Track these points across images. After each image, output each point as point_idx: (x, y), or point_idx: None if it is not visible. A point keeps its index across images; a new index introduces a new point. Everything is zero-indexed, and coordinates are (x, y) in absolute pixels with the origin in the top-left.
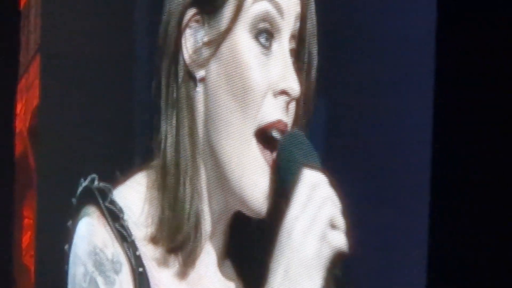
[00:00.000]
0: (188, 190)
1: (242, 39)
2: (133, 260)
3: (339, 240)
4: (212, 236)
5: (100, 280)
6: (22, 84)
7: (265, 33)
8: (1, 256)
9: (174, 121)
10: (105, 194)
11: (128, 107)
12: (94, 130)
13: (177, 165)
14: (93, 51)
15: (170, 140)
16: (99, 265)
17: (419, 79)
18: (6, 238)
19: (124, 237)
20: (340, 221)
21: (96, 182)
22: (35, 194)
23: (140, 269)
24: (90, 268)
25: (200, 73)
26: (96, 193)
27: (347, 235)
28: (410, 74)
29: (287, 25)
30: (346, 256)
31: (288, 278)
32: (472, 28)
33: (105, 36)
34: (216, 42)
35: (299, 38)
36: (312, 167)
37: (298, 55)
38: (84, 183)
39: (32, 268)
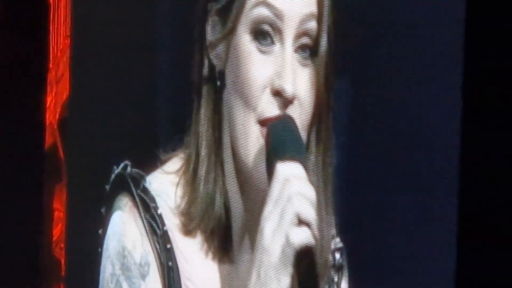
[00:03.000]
0: (211, 177)
1: (243, 39)
2: (162, 255)
3: (301, 237)
4: (244, 226)
5: (125, 285)
6: (51, 76)
7: (265, 34)
8: (32, 249)
9: (201, 111)
10: (137, 182)
11: (157, 98)
12: (124, 122)
13: (201, 153)
14: (122, 43)
15: (197, 128)
16: (126, 269)
17: (448, 70)
18: (37, 231)
19: (154, 230)
20: (308, 217)
21: (128, 169)
22: (65, 187)
23: (170, 263)
24: (117, 270)
25: (219, 66)
26: (129, 180)
27: (316, 230)
28: (439, 65)
29: (290, 27)
30: (312, 252)
31: (259, 281)
32: (503, 19)
33: (134, 28)
34: (222, 40)
35: (316, 35)
36: (291, 158)
37: (314, 50)
38: (117, 170)
39: (63, 261)
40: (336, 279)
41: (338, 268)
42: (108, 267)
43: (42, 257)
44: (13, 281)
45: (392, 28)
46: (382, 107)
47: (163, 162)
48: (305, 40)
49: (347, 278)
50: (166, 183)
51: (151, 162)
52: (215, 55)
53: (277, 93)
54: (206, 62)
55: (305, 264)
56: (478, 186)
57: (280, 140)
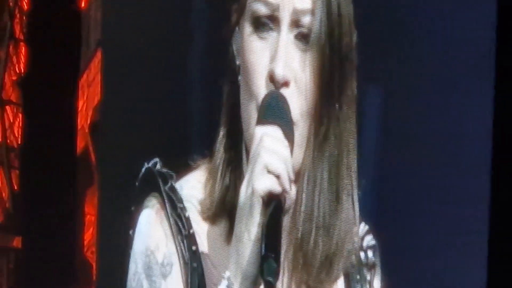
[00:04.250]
0: (229, 180)
1: (245, 31)
2: (187, 256)
3: (265, 184)
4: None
5: (145, 283)
6: (83, 80)
7: (263, 24)
8: (64, 252)
9: (223, 109)
10: (166, 179)
11: (188, 101)
12: (155, 126)
13: (221, 148)
14: (153, 47)
15: (220, 129)
16: (147, 268)
17: (479, 75)
18: (69, 235)
19: (180, 230)
20: (276, 168)
21: (158, 166)
22: (96, 191)
23: (195, 264)
24: (140, 269)
25: (238, 60)
26: (158, 176)
27: (286, 183)
28: (471, 70)
29: (285, 14)
30: (278, 201)
31: (235, 238)
32: None
33: (165, 32)
34: (230, 34)
35: (312, 22)
36: (269, 122)
37: (311, 37)
38: (147, 166)
39: (94, 265)
40: (368, 277)
41: (371, 266)
42: (132, 265)
43: (74, 261)
44: (47, 285)
45: (423, 33)
46: (412, 115)
47: (194, 169)
48: (302, 28)
49: (379, 277)
50: (195, 189)
51: (182, 166)
52: (235, 51)
53: (271, 77)
54: (230, 60)
55: (271, 213)
56: (509, 196)
57: (263, 108)
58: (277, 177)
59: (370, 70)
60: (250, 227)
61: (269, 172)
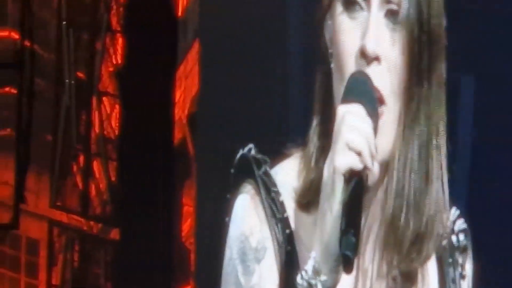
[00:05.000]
0: (322, 158)
1: (337, 12)
2: (280, 239)
3: (346, 161)
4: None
5: (240, 269)
6: (180, 71)
7: (354, 4)
8: (162, 244)
9: (315, 95)
10: (260, 164)
11: (286, 92)
12: (252, 116)
13: (313, 138)
14: (250, 36)
15: (314, 117)
16: (242, 253)
17: None
18: (167, 226)
19: (274, 213)
20: (357, 145)
21: (253, 151)
22: (194, 182)
23: (289, 248)
24: (234, 254)
25: (330, 48)
26: (252, 161)
27: (368, 159)
28: None
29: None
30: (359, 178)
31: (319, 217)
32: None
33: (261, 21)
34: (322, 18)
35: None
36: (351, 101)
37: (401, 15)
38: (242, 152)
39: (192, 255)
40: (460, 260)
41: (463, 250)
42: (227, 251)
43: (172, 252)
44: (147, 277)
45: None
46: (505, 104)
47: (289, 156)
48: (392, 4)
49: (471, 260)
50: (290, 176)
51: (277, 153)
52: (327, 39)
53: (362, 54)
54: (323, 48)
55: (352, 190)
56: None
57: (346, 88)
58: (358, 154)
59: (462, 58)
60: (332, 205)
61: (350, 149)
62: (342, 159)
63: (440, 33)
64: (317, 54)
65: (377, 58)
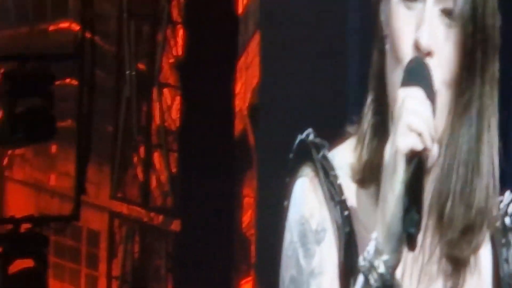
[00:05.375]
0: (375, 141)
1: (393, 2)
2: (339, 220)
3: (407, 142)
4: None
5: (301, 251)
6: (241, 63)
7: None
8: (222, 235)
9: (370, 80)
10: (318, 148)
11: (345, 83)
12: (313, 108)
13: (367, 119)
14: (309, 27)
15: (368, 96)
16: (302, 236)
17: None
18: (227, 217)
19: (332, 196)
20: (418, 127)
21: (311, 136)
22: (255, 173)
23: (347, 229)
24: (295, 237)
25: (385, 31)
26: (311, 146)
27: (428, 140)
28: None
29: None
30: (420, 158)
31: (381, 198)
32: None
33: (320, 11)
34: (377, 4)
35: None
36: (411, 84)
37: (455, 13)
38: (300, 137)
39: (253, 247)
40: None
41: None
42: (288, 235)
43: (233, 243)
44: (207, 268)
45: None
46: None
47: (346, 138)
48: (447, 2)
49: None
50: (346, 156)
51: (334, 136)
52: (382, 21)
53: (416, 46)
54: (378, 30)
55: (414, 170)
56: None
57: (406, 72)
58: (419, 135)
59: None
60: (394, 184)
61: (411, 130)
62: (403, 140)
63: (494, 32)
64: (373, 34)
65: (429, 53)
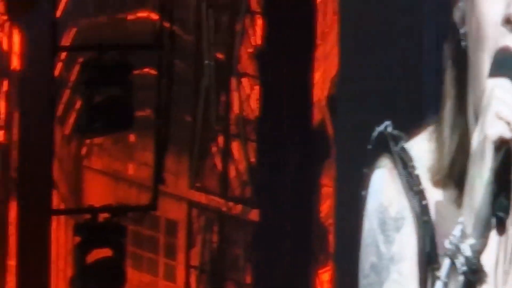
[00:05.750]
0: (454, 144)
1: None
2: (418, 210)
3: (495, 130)
4: None
5: (380, 239)
6: (319, 52)
7: None
8: (301, 225)
9: (447, 76)
10: (397, 140)
11: (423, 73)
12: (390, 98)
13: (445, 115)
14: (388, 17)
15: (444, 92)
16: (382, 223)
17: None
18: (306, 207)
19: (411, 186)
20: (505, 114)
21: (389, 128)
22: (333, 163)
23: (425, 218)
24: (374, 225)
25: (463, 28)
26: (389, 138)
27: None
28: None
29: None
30: (507, 143)
31: (467, 184)
32: None
33: (399, 2)
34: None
35: None
36: (500, 75)
37: None
38: (379, 129)
39: (331, 237)
40: None
41: None
42: (367, 223)
43: (311, 233)
44: (286, 258)
45: None
46: None
47: (423, 132)
48: None
49: None
50: (424, 151)
51: (412, 129)
52: (458, 17)
53: (507, 20)
54: (452, 27)
55: (502, 158)
56: None
57: (494, 63)
58: (508, 123)
59: None
60: (482, 172)
61: (499, 119)
62: (492, 128)
63: None
64: (450, 31)
65: None
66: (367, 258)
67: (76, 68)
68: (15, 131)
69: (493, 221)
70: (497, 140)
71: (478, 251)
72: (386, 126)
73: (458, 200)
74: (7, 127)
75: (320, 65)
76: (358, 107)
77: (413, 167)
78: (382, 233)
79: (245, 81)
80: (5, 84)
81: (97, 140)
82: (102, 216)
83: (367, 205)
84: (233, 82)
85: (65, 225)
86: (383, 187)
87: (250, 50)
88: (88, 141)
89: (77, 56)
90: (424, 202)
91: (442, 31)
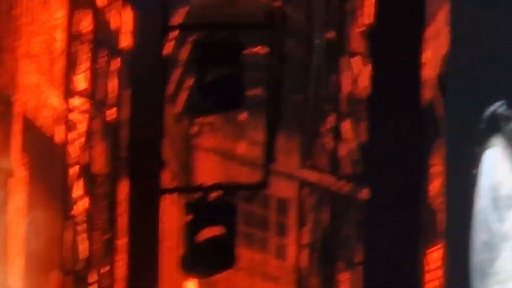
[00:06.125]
0: None
1: None
2: None
3: None
4: None
5: (492, 217)
6: (429, 32)
7: None
8: (410, 204)
9: None
10: (509, 121)
11: None
12: (501, 77)
13: None
14: None
15: None
16: (493, 201)
17: None
18: (415, 186)
19: None
20: None
21: (502, 108)
22: (443, 142)
23: None
24: (486, 203)
25: None
26: (501, 118)
27: None
28: None
29: None
30: None
31: None
32: None
33: None
34: None
35: None
36: None
37: None
38: (491, 109)
39: (440, 216)
40: None
41: None
42: (479, 202)
43: (420, 212)
44: (396, 236)
45: None
46: None
47: None
48: None
49: None
50: None
51: None
52: None
53: None
54: None
55: None
56: None
57: None
58: None
59: None
60: None
61: None
62: None
63: None
64: None
65: None
66: (479, 236)
67: (187, 47)
68: (126, 109)
69: None
70: None
71: None
72: (499, 106)
73: None
74: (118, 105)
75: (430, 44)
76: (468, 87)
77: None
78: (494, 211)
79: (355, 60)
80: (116, 62)
81: (208, 118)
82: (213, 195)
83: (479, 183)
84: (344, 61)
85: (176, 204)
86: (496, 166)
87: (361, 29)
88: (198, 119)
89: (188, 35)
90: None
91: None
